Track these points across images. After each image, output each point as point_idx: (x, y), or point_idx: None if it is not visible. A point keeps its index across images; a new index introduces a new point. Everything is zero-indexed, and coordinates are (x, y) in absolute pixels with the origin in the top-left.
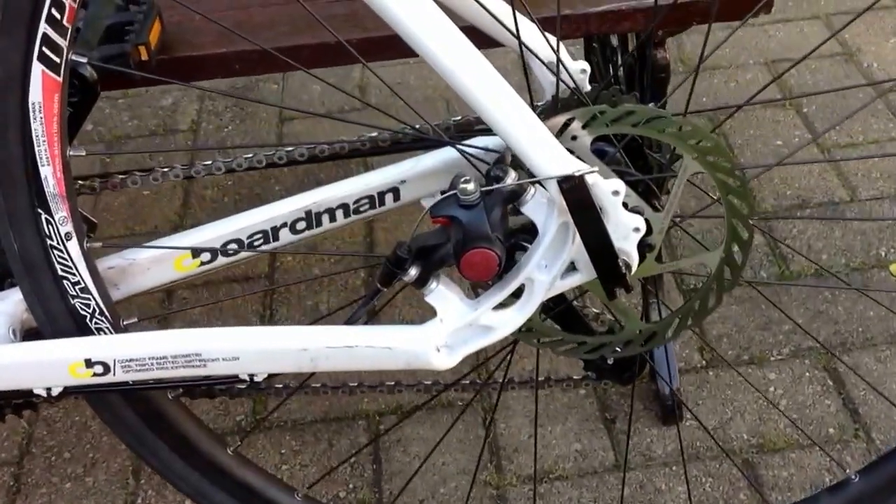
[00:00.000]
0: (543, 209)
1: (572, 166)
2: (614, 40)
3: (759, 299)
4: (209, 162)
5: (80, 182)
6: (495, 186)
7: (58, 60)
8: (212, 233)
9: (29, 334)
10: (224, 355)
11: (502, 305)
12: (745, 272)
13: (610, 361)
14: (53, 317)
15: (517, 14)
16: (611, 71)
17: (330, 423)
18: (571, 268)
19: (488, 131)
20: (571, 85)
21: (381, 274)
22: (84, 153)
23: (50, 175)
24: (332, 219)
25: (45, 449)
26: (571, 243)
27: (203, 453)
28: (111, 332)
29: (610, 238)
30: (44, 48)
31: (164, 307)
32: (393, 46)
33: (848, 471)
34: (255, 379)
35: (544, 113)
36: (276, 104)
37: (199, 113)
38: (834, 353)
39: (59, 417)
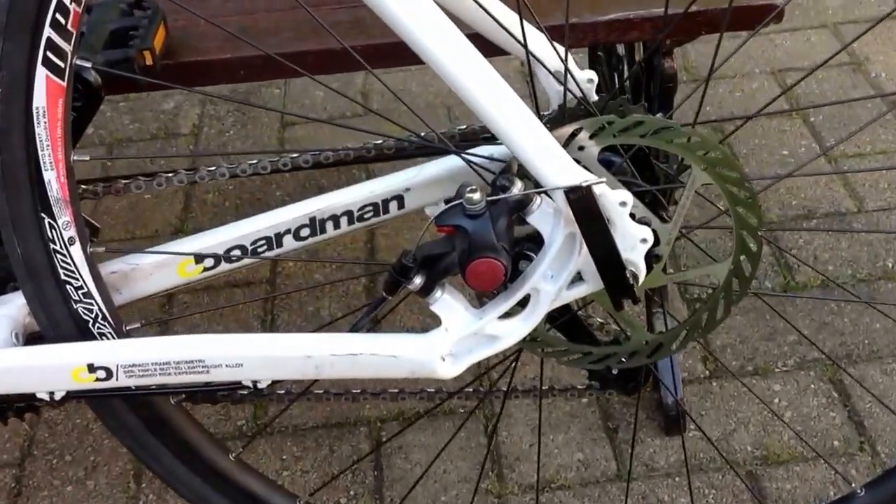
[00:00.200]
0: (550, 219)
1: (580, 177)
2: (620, 49)
3: (763, 310)
4: (213, 168)
5: (83, 187)
6: (501, 196)
7: (62, 65)
8: (215, 239)
9: (31, 338)
10: (227, 362)
11: (507, 315)
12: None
13: (614, 371)
14: (56, 321)
15: (524, 22)
16: (617, 80)
17: (331, 428)
18: (578, 278)
19: (493, 140)
20: (579, 94)
21: (386, 282)
22: (88, 158)
23: (53, 179)
24: (337, 226)
25: (47, 451)
26: (578, 254)
27: (205, 459)
28: (113, 337)
29: (617, 249)
30: (48, 53)
31: (164, 311)
32: (398, 53)
33: (854, 484)
34: (259, 385)
35: (551, 122)
36: (279, 109)
37: (200, 117)
38: (840, 364)
39: (60, 420)
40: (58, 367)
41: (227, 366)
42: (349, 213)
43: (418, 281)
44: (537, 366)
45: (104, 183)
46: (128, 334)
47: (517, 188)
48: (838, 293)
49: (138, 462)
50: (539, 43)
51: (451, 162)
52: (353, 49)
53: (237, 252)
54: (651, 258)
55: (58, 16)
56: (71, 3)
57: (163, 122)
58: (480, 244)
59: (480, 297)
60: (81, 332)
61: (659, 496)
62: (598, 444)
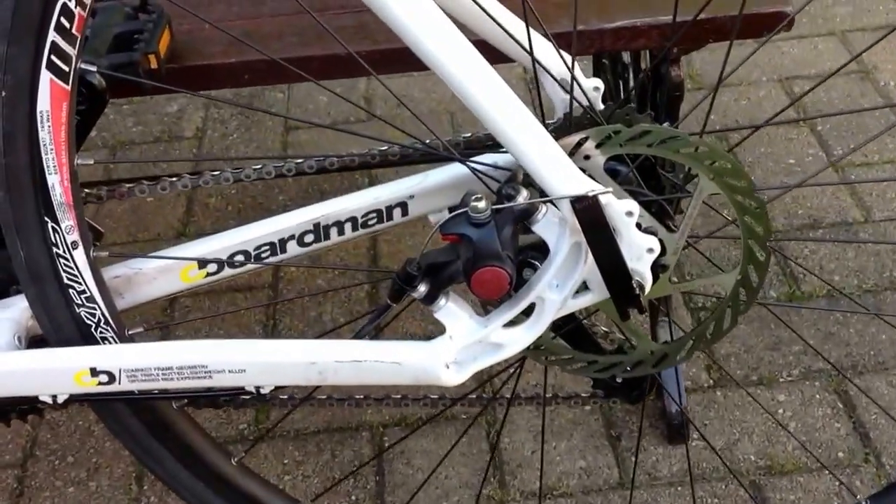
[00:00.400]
0: (555, 228)
1: (586, 186)
2: (626, 57)
3: (768, 319)
4: (217, 173)
5: (86, 190)
6: (507, 205)
7: (66, 69)
8: (219, 244)
9: (34, 341)
10: (231, 367)
11: (512, 323)
12: None
13: (619, 380)
14: (59, 325)
15: (530, 30)
16: (621, 88)
17: (333, 433)
18: (583, 287)
19: (497, 146)
20: (585, 103)
21: (391, 290)
22: (92, 162)
23: (57, 184)
24: (341, 232)
25: (49, 452)
26: (584, 263)
27: (207, 463)
28: (116, 342)
29: (623, 259)
30: (52, 56)
31: (166, 315)
32: (403, 59)
33: (858, 496)
34: (262, 391)
35: (556, 131)
36: (283, 115)
37: (204, 120)
38: (845, 375)
39: (63, 421)
40: (60, 371)
41: (229, 371)
42: (353, 220)
43: (423, 289)
44: (539, 371)
45: (108, 187)
46: (130, 339)
47: (523, 197)
48: (845, 303)
49: (140, 465)
50: (545, 50)
51: (455, 169)
52: (357, 54)
53: (240, 257)
54: (657, 268)
55: (62, 20)
56: (76, 7)
57: (166, 125)
58: (485, 253)
59: (485, 305)
60: (84, 336)
61: None
62: (600, 451)
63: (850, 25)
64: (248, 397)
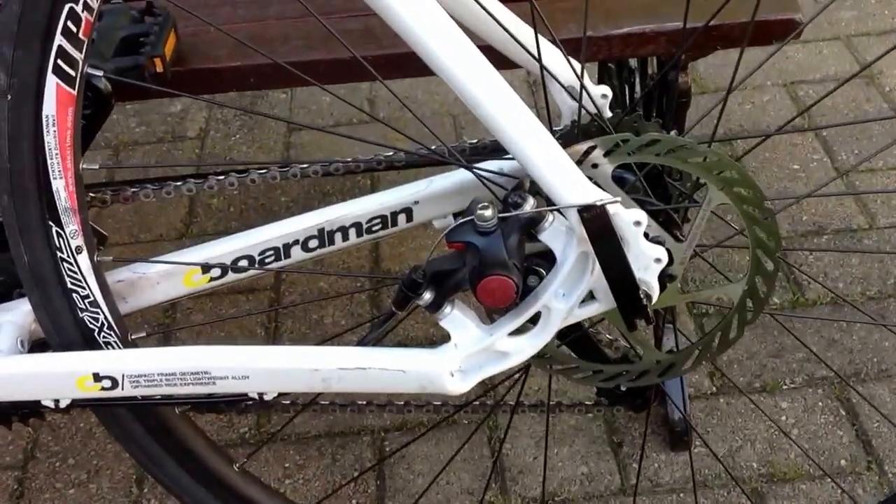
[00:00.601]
0: (562, 237)
1: (594, 195)
2: (633, 63)
3: (771, 326)
4: (222, 177)
5: (91, 194)
6: (513, 213)
7: (73, 73)
8: (222, 248)
9: (36, 345)
10: (234, 374)
11: (518, 331)
12: None
13: (623, 388)
14: (62, 329)
15: (538, 36)
16: (628, 95)
17: (334, 437)
18: (590, 296)
19: (503, 153)
20: (593, 111)
21: (396, 297)
22: (97, 166)
23: (62, 188)
24: (345, 237)
25: (50, 454)
26: (591, 272)
27: (209, 468)
28: (119, 346)
29: (631, 268)
30: (59, 61)
31: (168, 316)
32: (409, 63)
33: None
34: (265, 398)
35: (564, 138)
36: (286, 119)
37: (207, 121)
38: (848, 382)
39: (64, 424)
40: (63, 376)
41: (233, 377)
42: (358, 225)
43: (428, 297)
44: (540, 376)
45: (112, 191)
46: (133, 343)
47: (529, 205)
48: (848, 310)
49: (141, 469)
50: (552, 57)
51: (460, 175)
52: (363, 58)
53: (244, 262)
54: (665, 277)
55: (69, 24)
56: (83, 12)
57: (170, 126)
58: (491, 261)
59: (490, 313)
60: (87, 340)
61: None
62: (602, 457)
63: (855, 30)
64: (250, 403)
